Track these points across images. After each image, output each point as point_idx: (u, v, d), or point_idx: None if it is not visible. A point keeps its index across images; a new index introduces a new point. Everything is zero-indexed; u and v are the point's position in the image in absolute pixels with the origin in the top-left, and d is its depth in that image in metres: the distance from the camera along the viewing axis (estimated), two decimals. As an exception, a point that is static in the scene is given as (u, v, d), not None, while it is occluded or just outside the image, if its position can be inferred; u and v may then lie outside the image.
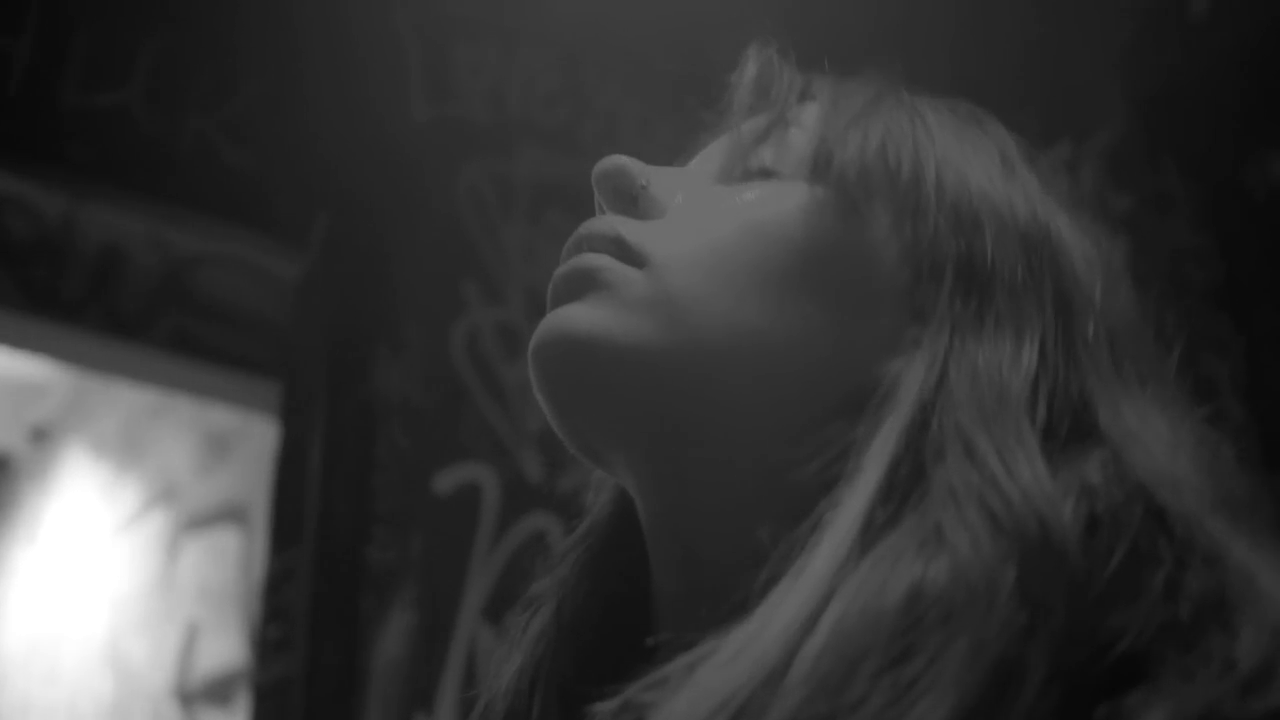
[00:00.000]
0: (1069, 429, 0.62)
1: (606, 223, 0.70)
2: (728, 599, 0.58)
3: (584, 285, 0.68)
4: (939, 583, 0.52)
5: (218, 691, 3.80)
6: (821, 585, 0.54)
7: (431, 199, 2.63)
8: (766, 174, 0.71)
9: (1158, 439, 0.62)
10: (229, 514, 3.96)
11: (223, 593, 3.88)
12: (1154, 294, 0.74)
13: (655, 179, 0.72)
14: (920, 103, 0.76)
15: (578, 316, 0.67)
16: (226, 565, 3.90)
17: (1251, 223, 2.38)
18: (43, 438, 5.01)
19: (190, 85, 2.48)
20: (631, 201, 0.71)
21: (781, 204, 0.69)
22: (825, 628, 0.52)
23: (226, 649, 3.79)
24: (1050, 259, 0.69)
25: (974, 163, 0.72)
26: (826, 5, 2.82)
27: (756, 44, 0.78)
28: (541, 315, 0.69)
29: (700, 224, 0.69)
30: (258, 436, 3.52)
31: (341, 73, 2.61)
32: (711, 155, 0.76)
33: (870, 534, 0.56)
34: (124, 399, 4.34)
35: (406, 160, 2.62)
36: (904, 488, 0.58)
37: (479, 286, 2.59)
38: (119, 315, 2.61)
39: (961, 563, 0.52)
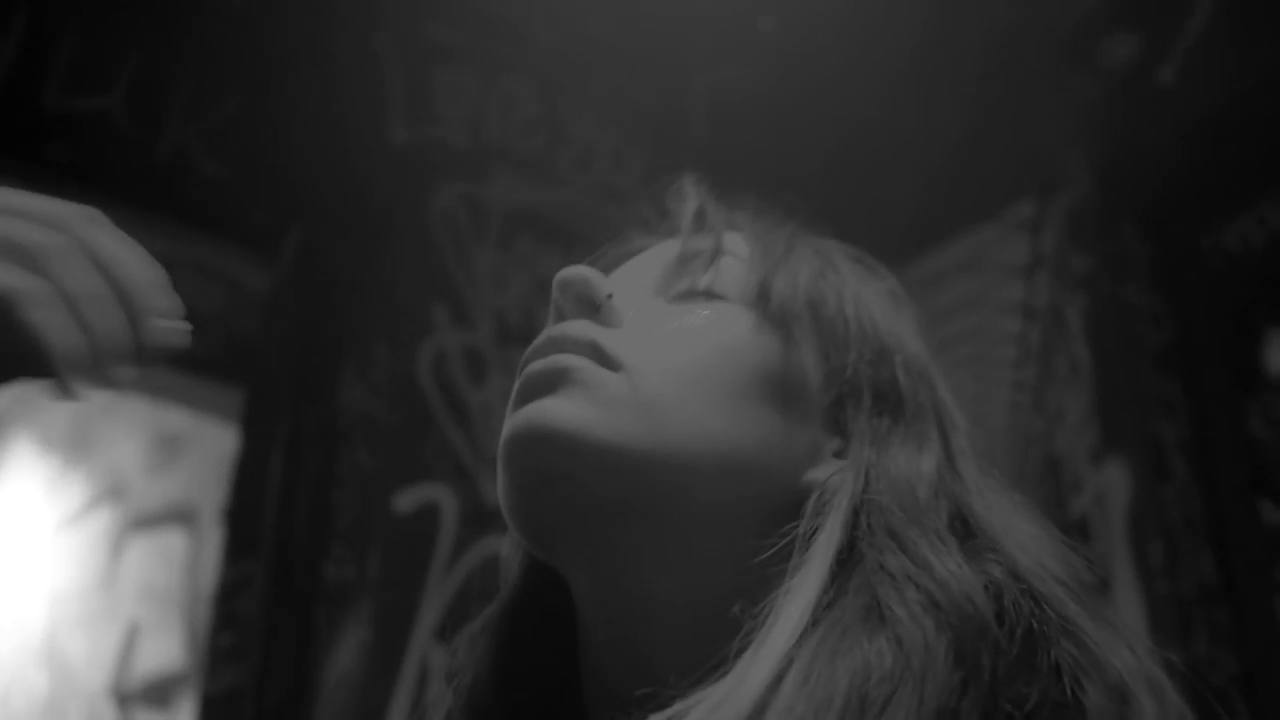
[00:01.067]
0: (952, 526, 0.74)
1: (580, 328, 0.76)
2: (694, 667, 0.67)
3: (558, 381, 0.74)
4: (882, 648, 0.63)
5: (156, 693, 3.79)
6: (783, 651, 0.65)
7: (405, 220, 2.65)
8: (710, 295, 0.80)
9: (1023, 534, 0.75)
10: (176, 515, 3.95)
11: (166, 594, 3.86)
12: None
13: (616, 292, 0.79)
14: (824, 245, 0.87)
15: (557, 409, 0.73)
16: (171, 567, 3.89)
17: (1204, 289, 2.44)
18: (-11, 428, 4.97)
19: (171, 95, 2.49)
20: (594, 310, 0.78)
21: (736, 327, 0.78)
22: (790, 686, 0.63)
23: (167, 651, 3.78)
24: (929, 387, 0.83)
25: (876, 302, 0.85)
26: (799, 52, 2.88)
27: (689, 178, 0.87)
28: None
29: (666, 339, 0.77)
30: (210, 440, 3.52)
31: (321, 91, 2.63)
32: (645, 270, 0.84)
33: (819, 610, 0.67)
34: (75, 393, 4.31)
35: (382, 180, 2.64)
36: (845, 574, 0.70)
37: (448, 309, 2.61)
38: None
39: (904, 633, 0.63)
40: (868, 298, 0.84)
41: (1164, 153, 2.46)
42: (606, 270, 0.86)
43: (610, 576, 0.75)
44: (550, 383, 0.74)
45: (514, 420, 0.74)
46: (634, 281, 0.83)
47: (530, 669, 0.82)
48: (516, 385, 0.76)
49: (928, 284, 2.64)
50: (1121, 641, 0.69)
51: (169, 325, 0.69)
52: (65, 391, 0.65)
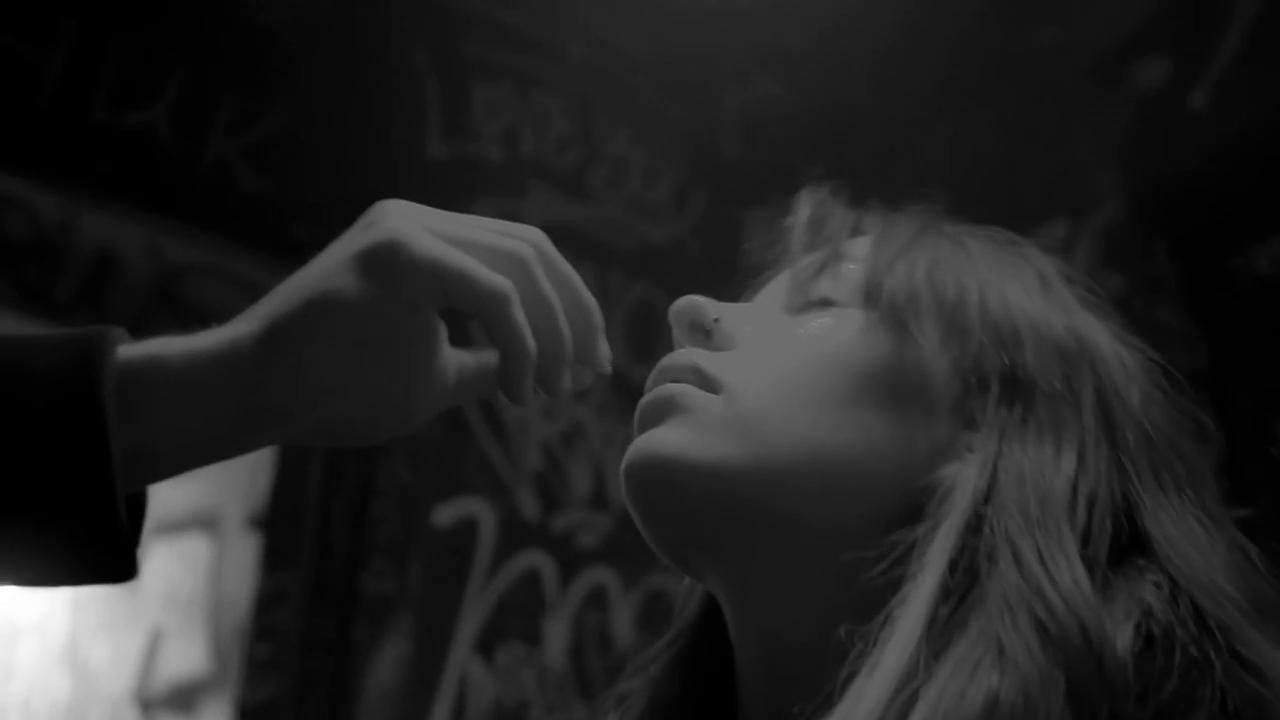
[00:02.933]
0: (1112, 532, 0.68)
1: (685, 355, 0.78)
2: (814, 694, 0.65)
3: (666, 410, 0.75)
4: (1009, 692, 0.58)
5: (179, 699, 3.79)
6: (895, 679, 0.61)
7: (443, 235, 2.66)
8: (825, 303, 0.79)
9: (1197, 546, 0.69)
10: (200, 521, 3.95)
11: (190, 600, 3.87)
12: (1191, 404, 0.80)
13: (726, 314, 0.81)
14: (962, 231, 0.84)
15: (660, 439, 0.74)
16: (195, 573, 3.89)
17: (1236, 311, 2.46)
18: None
19: (215, 111, 2.52)
20: (705, 335, 0.80)
21: (841, 332, 0.77)
22: None
23: (190, 656, 3.79)
24: (1089, 370, 0.75)
25: (1013, 283, 0.79)
26: (831, 70, 2.90)
27: (809, 188, 0.87)
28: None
29: (769, 353, 0.77)
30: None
31: (361, 107, 2.65)
32: (775, 289, 0.84)
33: (934, 631, 0.63)
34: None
35: (419, 195, 2.64)
36: (961, 589, 0.65)
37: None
38: (109, 318, 2.63)
39: (1022, 672, 0.59)
40: (1000, 279, 0.79)
41: (1195, 175, 2.48)
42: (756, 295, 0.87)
43: (739, 598, 0.76)
44: (657, 412, 0.75)
45: (626, 455, 0.76)
46: (766, 301, 0.84)
47: (698, 700, 0.82)
48: (636, 414, 0.78)
49: (959, 303, 2.65)
50: None
51: (605, 350, 0.75)
52: (519, 395, 0.69)
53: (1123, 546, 0.68)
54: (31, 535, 0.62)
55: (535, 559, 2.51)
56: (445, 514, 2.48)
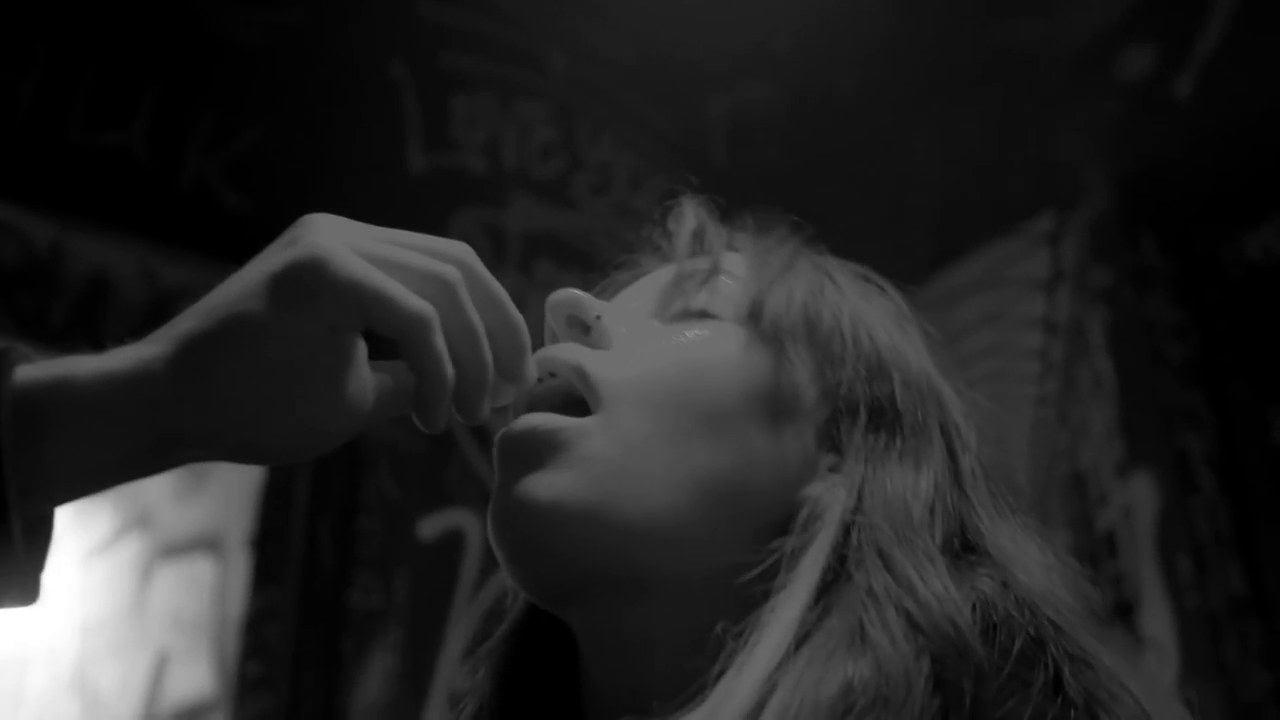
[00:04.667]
0: (957, 548, 0.74)
1: (569, 351, 0.77)
2: (677, 691, 0.67)
3: (537, 451, 0.73)
4: (864, 675, 0.62)
5: (186, 721, 3.79)
6: (764, 676, 0.64)
7: (425, 246, 2.65)
8: (702, 314, 0.80)
9: (1032, 560, 0.75)
10: (204, 543, 3.96)
11: (195, 622, 3.87)
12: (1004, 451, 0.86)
13: (606, 312, 0.80)
14: (829, 263, 0.87)
15: (534, 487, 0.72)
16: (200, 595, 3.89)
17: (1227, 300, 2.44)
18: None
19: (192, 128, 2.51)
20: (584, 330, 0.79)
21: (722, 345, 0.78)
22: (772, 714, 0.62)
23: (196, 679, 3.79)
24: (936, 407, 0.81)
25: (878, 317, 0.84)
26: (816, 72, 2.88)
27: (688, 198, 0.88)
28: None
29: (648, 358, 0.77)
30: (236, 468, 3.53)
31: (340, 120, 2.65)
32: (647, 292, 0.84)
33: (803, 630, 0.67)
34: (102, 424, 4.32)
35: (401, 208, 2.65)
36: (830, 593, 0.69)
37: (469, 334, 2.61)
38: (104, 343, 2.63)
39: (883, 657, 0.63)
40: (868, 314, 0.83)
41: (1183, 164, 2.46)
42: (614, 295, 0.87)
43: (604, 617, 0.76)
44: (529, 453, 0.73)
45: (496, 501, 0.74)
46: (633, 304, 0.84)
47: (533, 697, 0.82)
48: (498, 444, 0.76)
49: (948, 300, 2.64)
50: (1136, 674, 0.68)
51: (531, 370, 0.74)
52: (434, 423, 0.68)
53: (962, 560, 0.74)
54: None
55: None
56: (431, 527, 2.47)
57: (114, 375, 0.63)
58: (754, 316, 0.79)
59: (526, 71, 2.92)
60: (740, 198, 0.89)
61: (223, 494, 3.84)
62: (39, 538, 0.65)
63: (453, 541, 2.48)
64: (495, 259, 2.73)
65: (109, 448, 0.64)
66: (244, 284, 0.64)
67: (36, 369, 0.63)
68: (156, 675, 3.92)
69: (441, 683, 2.37)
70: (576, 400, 0.76)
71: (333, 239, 0.64)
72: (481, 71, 2.86)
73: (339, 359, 0.66)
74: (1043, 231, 2.59)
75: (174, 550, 4.04)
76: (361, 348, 0.68)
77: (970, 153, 2.79)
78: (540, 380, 0.77)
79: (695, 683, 0.66)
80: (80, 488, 0.65)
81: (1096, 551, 2.34)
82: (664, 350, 0.78)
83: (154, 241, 2.50)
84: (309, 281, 0.63)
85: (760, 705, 0.62)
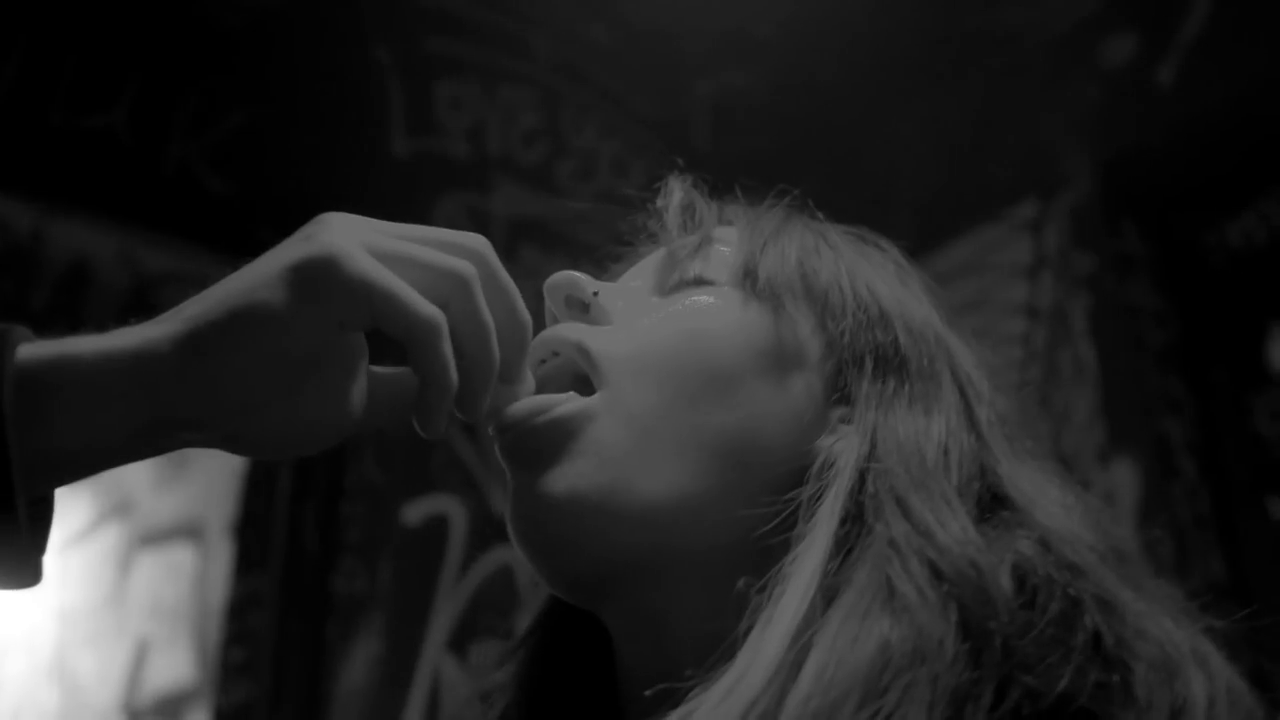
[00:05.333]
0: (977, 492, 0.74)
1: (569, 329, 0.78)
2: (708, 654, 0.67)
3: (553, 441, 0.73)
4: (901, 633, 0.62)
5: (167, 709, 3.78)
6: (791, 629, 0.65)
7: (409, 232, 2.65)
8: (700, 281, 0.80)
9: (1052, 501, 0.75)
10: (184, 530, 3.94)
11: (175, 610, 3.86)
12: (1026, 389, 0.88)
13: (603, 290, 0.80)
14: (819, 224, 0.87)
15: (555, 484, 0.73)
16: (180, 582, 3.88)
17: (1208, 287, 2.45)
18: (-4, 446, 4.95)
19: (175, 112, 2.50)
20: (582, 309, 0.79)
21: (720, 306, 0.79)
22: (809, 676, 0.62)
23: (177, 666, 3.78)
24: (945, 354, 0.81)
25: (875, 271, 0.84)
26: (799, 57, 2.89)
27: (675, 175, 0.88)
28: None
29: (648, 329, 0.77)
30: (217, 454, 3.51)
31: (324, 105, 2.64)
32: (644, 271, 0.85)
33: (827, 582, 0.67)
34: (81, 410, 4.30)
35: (385, 193, 2.65)
36: (850, 541, 0.69)
37: (453, 320, 2.61)
38: (84, 327, 2.62)
39: (914, 611, 0.63)
40: (865, 268, 0.83)
41: (1165, 151, 2.47)
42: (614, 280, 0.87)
43: (633, 603, 0.76)
44: (540, 448, 0.73)
45: (516, 503, 0.74)
46: (632, 284, 0.84)
47: (564, 684, 0.83)
48: (502, 435, 0.75)
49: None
50: (1164, 611, 0.69)
51: (529, 378, 0.75)
52: (434, 428, 0.68)
53: (986, 506, 0.73)
54: None
55: (507, 555, 2.49)
56: (415, 512, 2.46)
57: (116, 353, 0.63)
58: (749, 276, 0.79)
59: (510, 57, 2.92)
60: (725, 183, 0.90)
61: (204, 480, 3.83)
62: (40, 519, 0.65)
63: (437, 527, 2.48)
64: (479, 244, 2.73)
65: (110, 427, 0.64)
66: (257, 275, 0.64)
67: (38, 347, 0.63)
68: (137, 663, 3.91)
69: (426, 668, 2.37)
70: (582, 379, 0.76)
71: (347, 237, 0.65)
72: (465, 56, 2.86)
73: (343, 357, 0.68)
74: (1025, 218, 2.60)
75: (154, 537, 4.02)
76: (365, 349, 0.69)
77: (953, 139, 2.79)
78: (544, 361, 0.77)
79: (724, 642, 0.67)
80: (78, 469, 0.65)
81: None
82: (662, 320, 0.78)
83: (135, 226, 2.49)
84: (321, 278, 0.63)
85: (794, 664, 0.63)
